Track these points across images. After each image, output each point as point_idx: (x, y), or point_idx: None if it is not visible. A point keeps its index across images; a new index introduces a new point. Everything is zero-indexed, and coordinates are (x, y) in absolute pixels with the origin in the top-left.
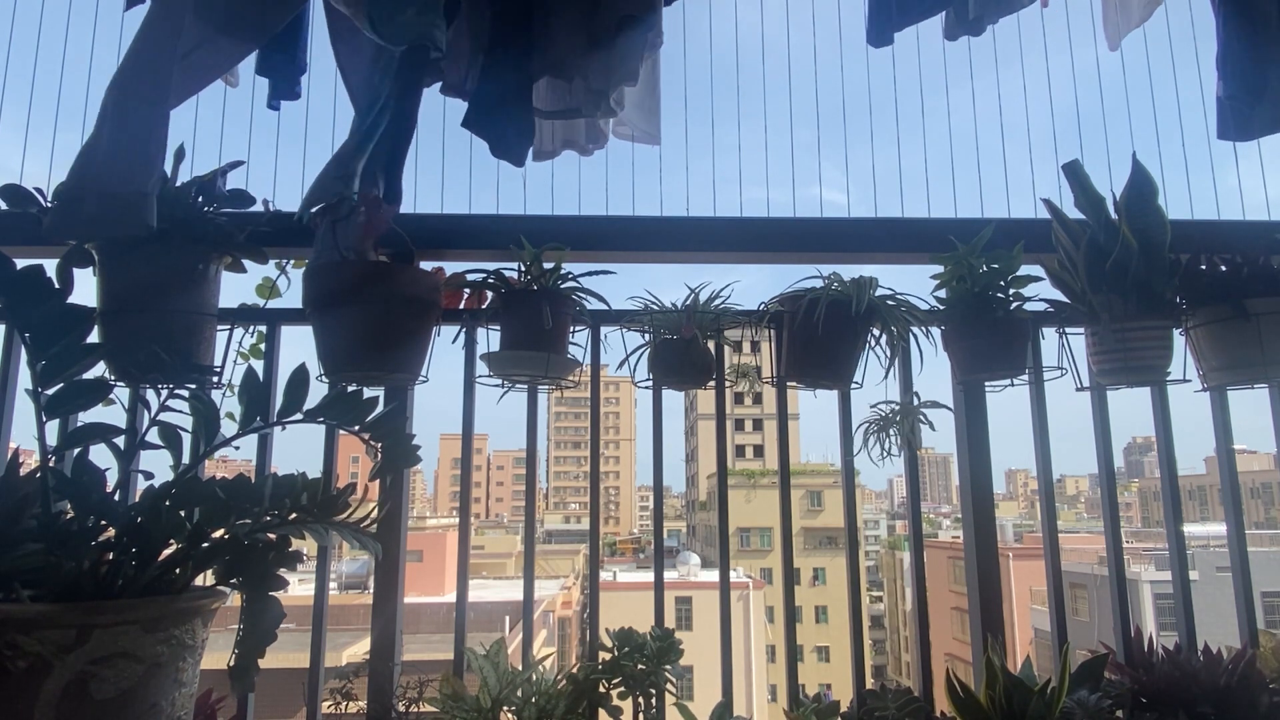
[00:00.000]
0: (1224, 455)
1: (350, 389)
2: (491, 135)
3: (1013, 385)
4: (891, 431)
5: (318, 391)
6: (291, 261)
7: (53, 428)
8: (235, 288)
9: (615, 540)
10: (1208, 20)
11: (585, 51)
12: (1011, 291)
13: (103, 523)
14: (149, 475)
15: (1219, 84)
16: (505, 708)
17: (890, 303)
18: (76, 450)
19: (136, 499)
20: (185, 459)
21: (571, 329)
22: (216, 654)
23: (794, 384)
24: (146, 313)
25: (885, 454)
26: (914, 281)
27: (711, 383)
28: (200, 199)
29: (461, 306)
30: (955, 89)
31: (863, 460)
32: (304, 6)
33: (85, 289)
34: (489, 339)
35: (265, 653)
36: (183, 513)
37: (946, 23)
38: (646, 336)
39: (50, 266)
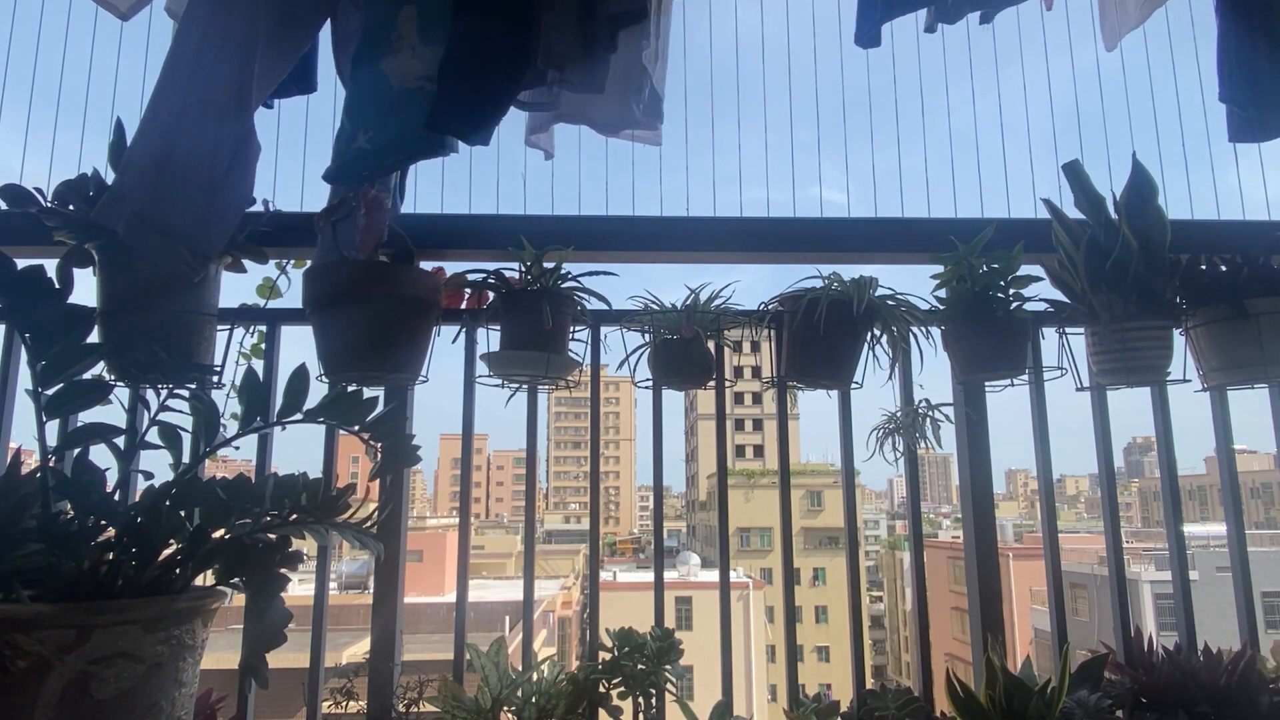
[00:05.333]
0: (1224, 455)
1: (350, 389)
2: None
3: (1013, 385)
4: (899, 435)
5: (318, 391)
6: (291, 261)
7: (53, 428)
8: (235, 288)
9: (615, 540)
10: (1208, 20)
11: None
12: (1011, 291)
13: (103, 523)
14: (149, 475)
15: (1219, 88)
16: (505, 708)
17: (890, 303)
18: (76, 450)
19: (136, 499)
20: (185, 459)
21: (572, 329)
22: (216, 654)
23: (794, 384)
24: (146, 313)
25: (899, 456)
26: (914, 281)
27: (711, 383)
28: None
29: (462, 306)
30: (955, 88)
31: (865, 460)
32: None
33: (85, 289)
34: (489, 339)
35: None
36: (183, 513)
37: (928, 15)
38: (646, 336)
39: (50, 266)
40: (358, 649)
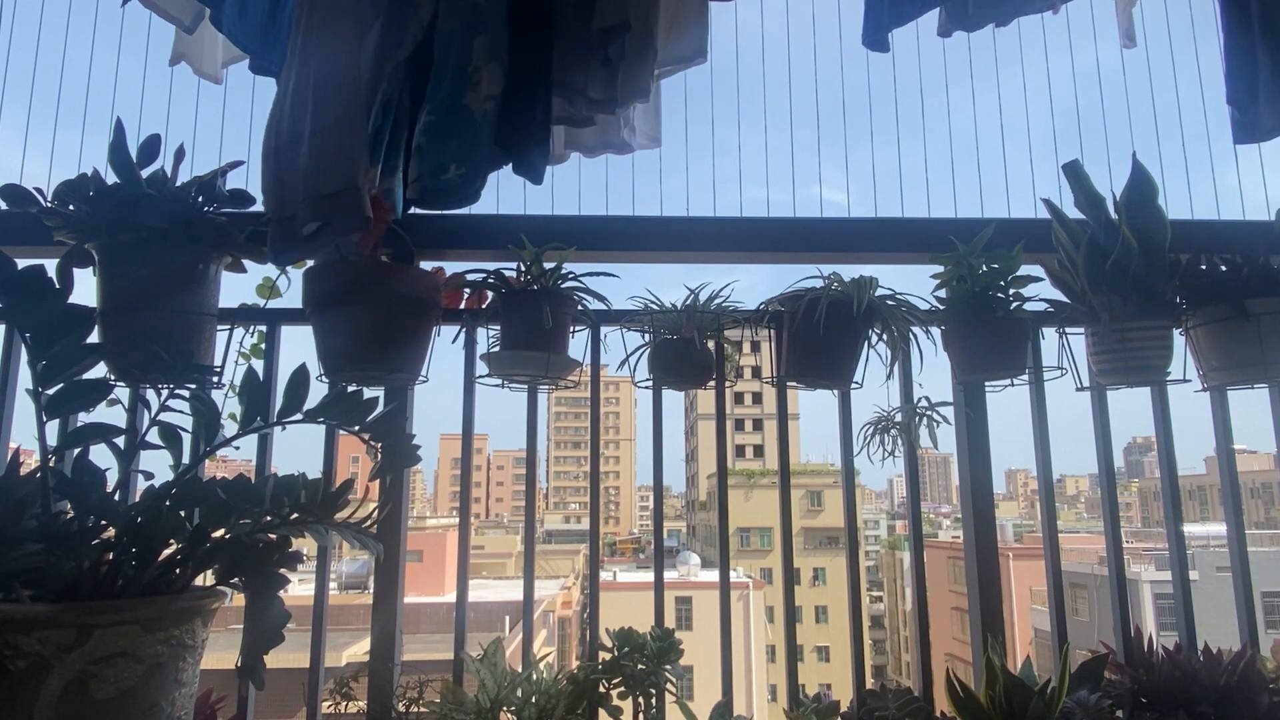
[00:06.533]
0: (1224, 455)
1: (350, 389)
2: (516, 157)
3: (1013, 385)
4: (893, 432)
5: (318, 391)
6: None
7: (53, 428)
8: (235, 288)
9: (615, 540)
10: (1208, 20)
11: (582, 69)
12: (1011, 291)
13: (103, 523)
14: (149, 475)
15: (1226, 91)
16: (505, 708)
17: (890, 303)
18: (76, 450)
19: (136, 499)
20: (185, 459)
21: (572, 329)
22: (216, 654)
23: (794, 384)
24: (147, 313)
25: (887, 454)
26: (914, 281)
27: (711, 382)
28: (200, 199)
29: (462, 306)
30: (955, 88)
31: (863, 460)
32: None
33: (85, 289)
34: (489, 339)
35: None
36: (183, 513)
37: (940, 19)
38: (646, 336)
39: (50, 266)
40: (358, 649)
